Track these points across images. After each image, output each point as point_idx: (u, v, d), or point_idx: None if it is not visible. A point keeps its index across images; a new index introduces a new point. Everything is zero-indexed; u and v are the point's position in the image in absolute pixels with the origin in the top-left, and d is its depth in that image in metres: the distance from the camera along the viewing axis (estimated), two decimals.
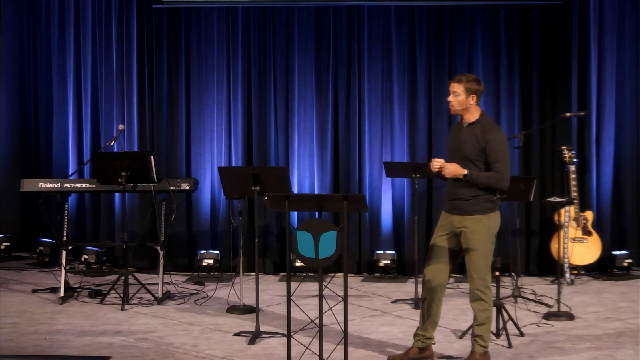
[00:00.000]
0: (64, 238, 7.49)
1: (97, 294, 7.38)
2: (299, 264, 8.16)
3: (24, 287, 7.91)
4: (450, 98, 5.29)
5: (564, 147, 7.95)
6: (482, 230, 5.24)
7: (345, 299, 4.80)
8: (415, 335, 5.47)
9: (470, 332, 6.02)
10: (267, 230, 8.76)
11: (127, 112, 8.88)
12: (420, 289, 7.23)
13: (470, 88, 5.25)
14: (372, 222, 8.66)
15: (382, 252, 8.47)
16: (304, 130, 8.73)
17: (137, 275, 7.62)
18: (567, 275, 7.90)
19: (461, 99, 5.26)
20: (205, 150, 8.85)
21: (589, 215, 8.21)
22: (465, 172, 5.17)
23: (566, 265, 7.89)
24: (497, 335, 5.96)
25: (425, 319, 5.43)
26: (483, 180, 5.19)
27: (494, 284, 5.87)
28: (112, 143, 7.83)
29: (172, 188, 7.46)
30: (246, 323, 6.46)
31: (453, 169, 5.20)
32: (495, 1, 8.59)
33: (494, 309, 5.98)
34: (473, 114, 5.30)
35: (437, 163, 5.23)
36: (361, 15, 8.68)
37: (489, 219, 5.26)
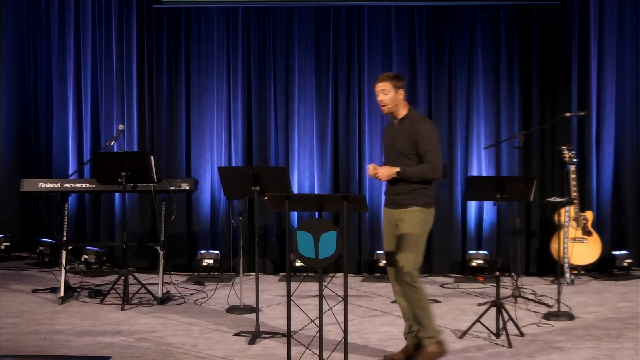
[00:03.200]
0: (64, 238, 7.49)
1: (97, 294, 7.38)
2: (299, 264, 8.16)
3: (24, 287, 7.91)
4: (381, 97, 5.33)
5: (564, 147, 7.96)
6: (416, 222, 5.26)
7: (345, 299, 4.80)
8: (405, 334, 5.49)
9: (469, 332, 6.03)
10: (267, 230, 8.76)
11: (127, 112, 8.89)
12: None
13: (397, 84, 5.33)
14: (372, 222, 8.66)
15: (382, 252, 8.46)
16: (304, 130, 8.73)
17: (137, 275, 7.62)
18: (567, 275, 7.90)
19: (391, 95, 5.32)
20: (205, 150, 8.85)
21: (589, 215, 8.21)
22: (398, 169, 5.24)
23: (566, 265, 7.89)
24: (497, 335, 5.95)
25: (407, 317, 5.47)
26: (416, 173, 5.24)
27: (494, 284, 5.87)
28: (112, 143, 7.82)
29: (172, 188, 7.46)
30: (246, 323, 6.46)
31: (385, 172, 5.26)
32: (495, 1, 8.59)
33: (495, 308, 6.00)
34: (402, 110, 5.38)
35: (372, 170, 5.28)
36: (361, 15, 8.68)
37: (424, 212, 5.29)
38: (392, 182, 5.32)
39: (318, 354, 4.86)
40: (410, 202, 5.27)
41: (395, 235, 5.33)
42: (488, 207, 8.50)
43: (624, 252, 8.39)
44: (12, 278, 8.31)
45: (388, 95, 5.31)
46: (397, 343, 5.90)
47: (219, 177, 7.42)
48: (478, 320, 6.07)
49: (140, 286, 7.33)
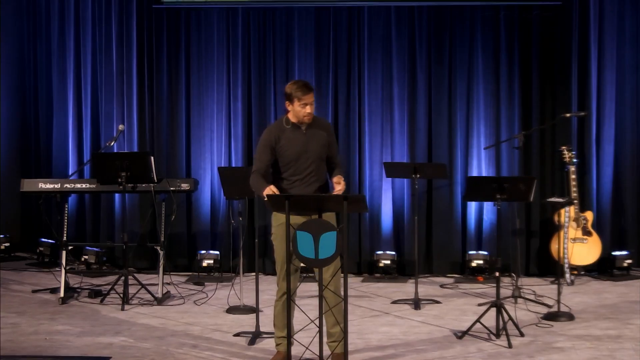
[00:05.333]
0: (64, 238, 7.49)
1: (97, 294, 7.38)
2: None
3: (24, 287, 7.91)
4: (310, 110, 5.27)
5: (564, 148, 7.97)
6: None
7: (345, 299, 4.80)
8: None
9: (469, 332, 6.03)
10: (267, 231, 8.74)
11: (127, 113, 8.88)
12: (420, 289, 7.27)
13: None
14: (372, 222, 8.66)
15: (382, 252, 8.47)
16: None
17: (137, 275, 7.63)
18: (567, 275, 7.90)
19: (314, 105, 5.30)
20: (205, 150, 8.85)
21: (589, 215, 8.21)
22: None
23: (566, 265, 7.89)
24: (497, 335, 5.95)
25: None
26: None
27: (494, 285, 5.86)
28: (112, 143, 7.82)
29: (172, 188, 7.46)
30: (246, 323, 6.46)
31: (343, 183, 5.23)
32: (495, 1, 8.59)
33: (495, 308, 6.00)
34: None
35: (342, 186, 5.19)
36: (361, 15, 8.68)
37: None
38: (313, 190, 5.28)
39: (318, 354, 4.86)
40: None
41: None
42: (488, 207, 8.50)
43: (624, 252, 8.39)
44: (12, 278, 8.31)
45: (313, 106, 5.28)
46: (398, 343, 5.91)
47: (219, 178, 7.42)
48: (478, 320, 6.07)
49: (140, 286, 7.33)
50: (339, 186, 5.18)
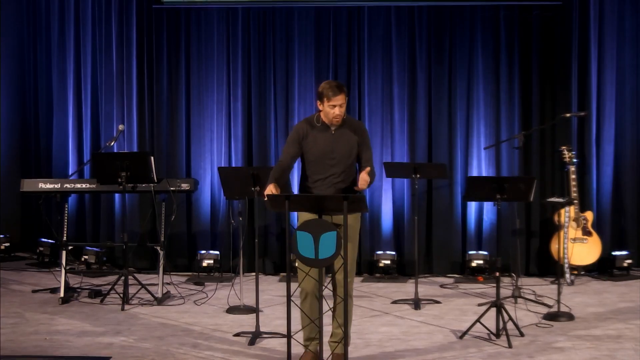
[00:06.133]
0: (64, 238, 7.49)
1: (97, 294, 7.38)
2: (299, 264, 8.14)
3: (24, 287, 7.91)
4: (339, 111, 5.19)
5: (564, 148, 7.97)
6: (359, 227, 5.34)
7: (345, 299, 4.80)
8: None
9: (469, 332, 6.04)
10: (267, 231, 8.76)
11: (127, 113, 8.88)
12: (420, 289, 7.27)
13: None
14: (372, 222, 8.66)
15: (382, 252, 8.47)
16: None
17: (137, 275, 7.62)
18: (567, 275, 7.90)
19: (345, 107, 5.24)
20: (205, 151, 8.85)
21: (589, 215, 8.21)
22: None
23: (566, 265, 7.89)
24: (497, 335, 5.95)
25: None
26: (373, 177, 5.24)
27: (494, 284, 5.85)
28: (112, 143, 7.82)
29: (172, 188, 7.46)
30: (246, 323, 6.46)
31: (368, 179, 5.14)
32: (495, 1, 8.59)
33: (495, 308, 6.00)
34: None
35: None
36: (361, 15, 8.68)
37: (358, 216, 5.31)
38: (335, 189, 5.22)
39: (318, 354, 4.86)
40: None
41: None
42: (488, 207, 8.50)
43: (624, 252, 8.38)
44: (12, 278, 8.31)
45: (343, 107, 5.22)
46: (397, 343, 5.91)
47: (219, 178, 7.42)
48: (478, 320, 6.07)
49: (140, 286, 7.33)
50: (365, 175, 5.08)
